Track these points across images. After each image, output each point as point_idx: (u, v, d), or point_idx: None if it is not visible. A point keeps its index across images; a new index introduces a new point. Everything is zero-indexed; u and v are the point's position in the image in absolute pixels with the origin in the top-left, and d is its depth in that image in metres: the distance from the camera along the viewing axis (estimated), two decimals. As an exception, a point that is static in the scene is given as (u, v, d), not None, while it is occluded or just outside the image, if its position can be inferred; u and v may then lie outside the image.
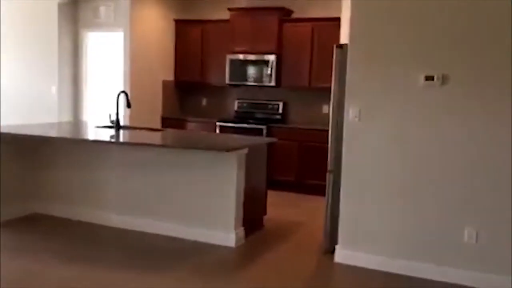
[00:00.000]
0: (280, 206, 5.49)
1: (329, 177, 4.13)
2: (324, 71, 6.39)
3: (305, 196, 6.19)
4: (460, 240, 3.51)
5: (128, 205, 4.56)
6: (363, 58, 3.72)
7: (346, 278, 3.69)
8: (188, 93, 7.67)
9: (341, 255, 3.89)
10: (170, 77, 7.40)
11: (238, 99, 7.24)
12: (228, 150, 3.96)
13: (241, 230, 4.29)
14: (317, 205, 6.03)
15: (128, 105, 5.01)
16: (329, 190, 4.15)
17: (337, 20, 6.04)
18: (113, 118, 4.95)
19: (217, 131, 6.80)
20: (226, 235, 4.18)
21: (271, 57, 6.61)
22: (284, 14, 6.74)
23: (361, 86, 3.74)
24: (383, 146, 3.70)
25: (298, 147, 6.36)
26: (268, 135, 6.48)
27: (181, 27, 7.33)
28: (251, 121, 6.75)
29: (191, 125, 7.04)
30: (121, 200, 4.58)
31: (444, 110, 3.49)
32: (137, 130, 5.20)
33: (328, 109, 6.78)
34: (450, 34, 3.44)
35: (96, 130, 5.03)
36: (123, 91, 5.01)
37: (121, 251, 4.03)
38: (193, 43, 7.25)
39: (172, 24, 7.32)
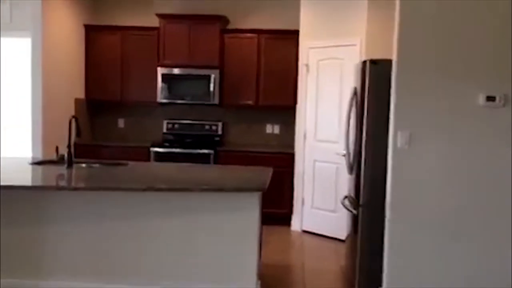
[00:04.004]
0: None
1: (361, 212, 3.61)
2: (276, 88, 5.88)
3: (265, 227, 5.52)
4: (521, 272, 3.27)
5: (107, 270, 3.40)
6: (413, 76, 3.28)
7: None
8: (101, 113, 6.40)
9: (389, 301, 3.37)
10: (82, 94, 6.08)
11: (167, 119, 6.25)
12: (261, 189, 3.17)
13: (259, 283, 3.50)
14: (285, 237, 5.45)
15: (78, 133, 3.83)
16: (359, 226, 3.62)
17: (294, 33, 5.54)
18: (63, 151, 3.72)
19: (152, 158, 5.74)
20: (248, 292, 3.36)
21: (214, 72, 5.82)
22: (224, 23, 6.03)
23: (412, 108, 3.29)
24: (437, 176, 3.28)
25: (254, 173, 5.66)
26: (215, 161, 5.67)
27: (93, 34, 6.08)
28: (187, 144, 5.85)
29: (110, 152, 5.79)
30: (100, 264, 3.41)
31: (508, 134, 3.22)
32: (89, 166, 4.00)
33: (272, 128, 6.29)
34: (513, 51, 3.19)
35: (38, 168, 3.70)
36: (74, 117, 3.80)
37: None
38: (110, 54, 6.06)
39: (83, 30, 6.03)
